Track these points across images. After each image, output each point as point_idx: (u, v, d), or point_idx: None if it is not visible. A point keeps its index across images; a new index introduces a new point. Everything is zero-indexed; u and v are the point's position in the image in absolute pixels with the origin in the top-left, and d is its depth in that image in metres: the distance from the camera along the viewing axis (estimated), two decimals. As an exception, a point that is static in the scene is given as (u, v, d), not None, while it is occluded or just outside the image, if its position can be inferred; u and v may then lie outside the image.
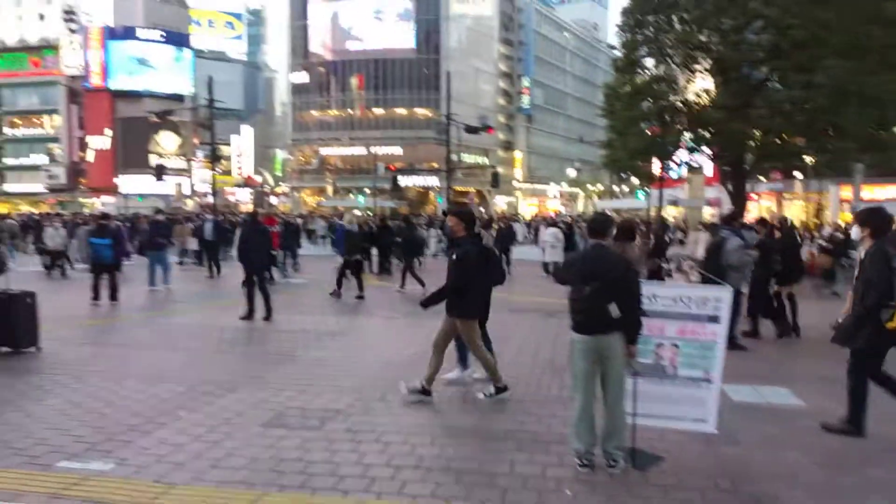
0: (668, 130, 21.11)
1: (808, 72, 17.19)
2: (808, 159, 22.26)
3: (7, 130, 68.05)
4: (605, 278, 4.10)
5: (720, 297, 4.47)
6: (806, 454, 4.65)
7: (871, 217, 5.06)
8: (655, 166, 23.65)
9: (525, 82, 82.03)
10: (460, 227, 5.94)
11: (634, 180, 39.60)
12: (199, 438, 4.81)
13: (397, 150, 66.72)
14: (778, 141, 19.93)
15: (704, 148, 22.04)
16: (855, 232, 5.90)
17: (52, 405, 5.57)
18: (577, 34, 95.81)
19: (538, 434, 4.99)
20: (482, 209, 58.68)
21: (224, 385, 6.27)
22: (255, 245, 10.33)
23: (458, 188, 57.72)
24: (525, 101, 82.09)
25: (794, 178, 31.54)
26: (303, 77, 71.31)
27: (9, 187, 66.94)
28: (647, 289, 4.41)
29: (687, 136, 21.64)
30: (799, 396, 6.00)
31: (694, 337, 4.49)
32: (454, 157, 39.38)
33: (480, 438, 4.88)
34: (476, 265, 5.78)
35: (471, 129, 34.08)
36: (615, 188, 65.86)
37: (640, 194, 48.78)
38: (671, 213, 41.28)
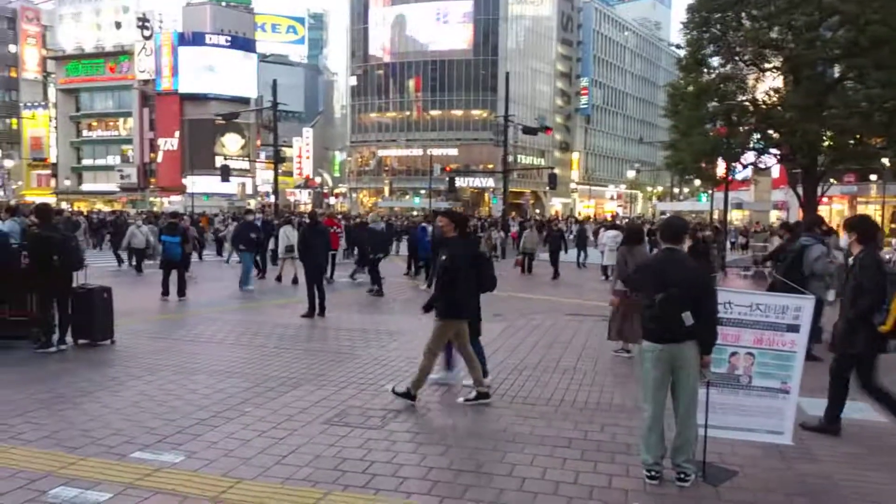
0: (736, 131, 20.36)
1: (889, 69, 16.31)
2: (886, 161, 21.08)
3: (85, 133, 71.82)
4: (681, 285, 3.95)
5: (801, 305, 4.26)
6: (891, 474, 4.37)
7: (859, 223, 5.18)
8: (720, 168, 22.86)
9: (584, 82, 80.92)
10: (450, 228, 5.91)
11: (696, 182, 38.47)
12: (263, 434, 4.90)
13: (453, 152, 66.93)
14: (853, 142, 18.96)
15: (773, 149, 21.19)
16: (843, 239, 5.90)
17: (127, 397, 5.79)
18: (638, 33, 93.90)
19: (602, 443, 4.86)
20: (527, 209, 58.17)
21: (287, 382, 6.39)
22: (315, 245, 10.59)
23: (514, 189, 57.43)
24: (583, 101, 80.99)
25: (869, 180, 29.94)
26: (362, 80, 72.43)
27: (85, 186, 70.62)
28: (723, 296, 4.24)
29: (755, 136, 20.82)
30: (879, 412, 5.65)
31: (771, 346, 4.30)
32: (510, 158, 39.18)
33: (542, 446, 4.79)
34: (464, 267, 5.73)
35: (528, 130, 33.82)
36: (676, 190, 64.08)
37: (703, 197, 47.36)
38: (735, 217, 39.89)
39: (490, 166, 61.51)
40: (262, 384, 6.29)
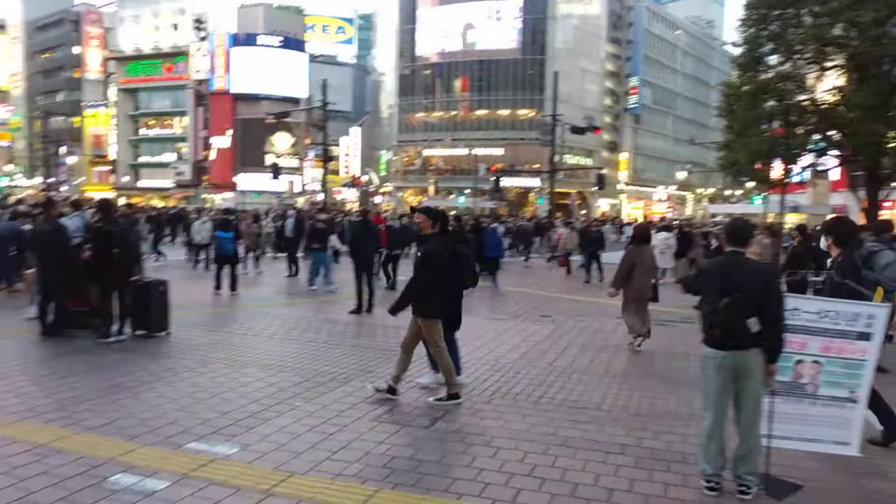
0: (794, 132, 19.63)
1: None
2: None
3: (143, 131, 74.39)
4: (746, 290, 3.79)
5: (874, 314, 4.06)
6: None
7: (835, 226, 5.18)
8: (776, 170, 22.07)
9: (633, 81, 79.45)
10: (428, 225, 5.86)
11: (749, 184, 37.27)
12: (314, 429, 4.94)
13: (499, 151, 66.63)
14: (920, 143, 18.06)
15: (833, 150, 20.35)
16: (822, 243, 5.69)
17: (182, 388, 5.93)
18: (690, 31, 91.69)
19: (656, 451, 4.73)
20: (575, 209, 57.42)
21: (337, 377, 6.44)
22: (366, 242, 10.71)
23: (560, 189, 56.80)
24: (633, 100, 79.51)
25: (938, 184, 28.47)
26: (409, 79, 72.86)
27: (142, 183, 73.12)
28: (790, 301, 4.07)
29: (814, 137, 20.03)
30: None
31: (840, 354, 4.11)
32: (557, 158, 38.77)
33: (595, 451, 4.69)
34: (441, 264, 5.69)
35: (577, 130, 33.40)
36: (728, 192, 62.26)
37: (756, 199, 45.88)
38: (790, 221, 38.52)
39: (536, 166, 60.98)
40: (312, 379, 6.35)
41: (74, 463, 4.16)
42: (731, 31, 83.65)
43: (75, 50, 78.04)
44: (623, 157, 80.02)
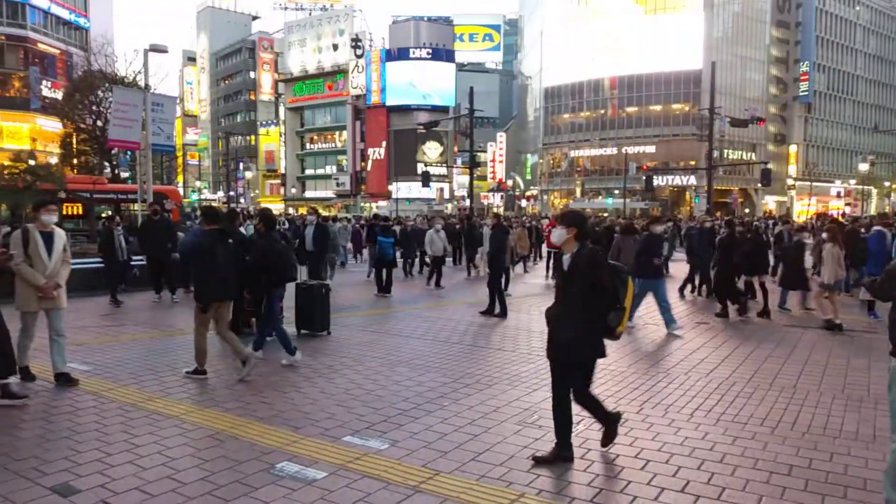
0: None
1: None
2: None
3: (308, 146, 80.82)
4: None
5: None
6: None
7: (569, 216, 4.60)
8: None
9: (804, 67, 72.37)
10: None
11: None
12: (460, 430, 5.05)
13: (650, 149, 63.90)
14: None
15: None
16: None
17: (339, 384, 6.34)
18: (873, 6, 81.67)
19: (831, 474, 4.27)
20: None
21: (482, 380, 6.54)
22: (501, 247, 10.95)
23: (720, 187, 53.17)
24: (803, 88, 72.47)
25: None
26: (556, 81, 72.16)
27: (308, 194, 79.41)
28: None
29: None
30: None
31: None
32: (716, 153, 36.33)
33: (757, 471, 4.33)
34: (197, 254, 6.48)
35: (737, 123, 31.12)
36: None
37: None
38: None
39: (692, 163, 57.65)
40: (459, 380, 6.50)
41: (248, 449, 4.61)
42: (926, 1, 73.34)
43: (251, 75, 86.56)
44: (792, 149, 73.24)
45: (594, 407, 4.61)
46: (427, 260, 16.41)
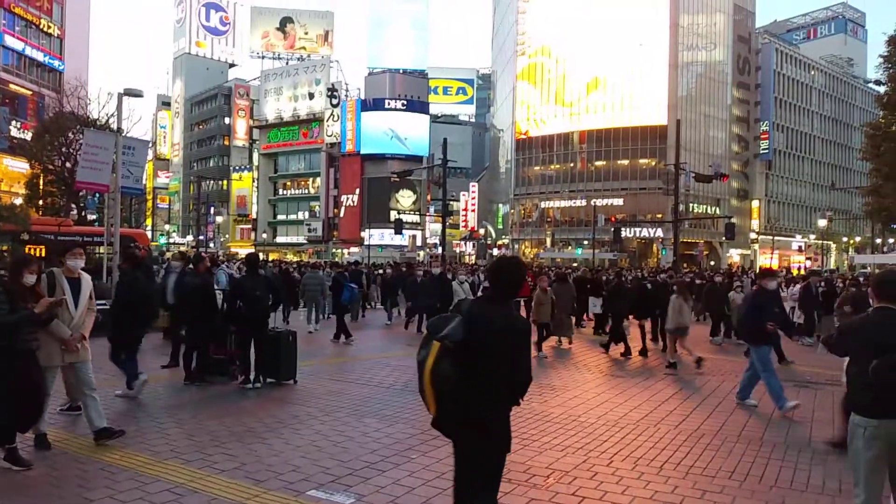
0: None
1: None
2: None
3: (281, 191, 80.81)
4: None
5: None
6: None
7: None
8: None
9: (763, 126, 75.44)
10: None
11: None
12: (427, 483, 4.95)
13: (618, 202, 65.38)
14: None
15: None
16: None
17: (306, 435, 6.19)
18: (827, 71, 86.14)
19: (798, 528, 4.27)
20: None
21: (451, 432, 6.44)
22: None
23: (686, 240, 54.31)
24: (763, 146, 75.34)
25: None
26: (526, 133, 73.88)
27: (279, 239, 78.98)
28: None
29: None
30: None
31: None
32: (682, 207, 37.28)
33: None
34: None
35: (702, 178, 32.06)
36: (878, 241, 56.46)
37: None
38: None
39: (659, 216, 59.00)
40: (427, 431, 6.37)
41: None
42: (874, 69, 77.55)
43: (226, 120, 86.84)
44: (755, 204, 75.56)
45: None
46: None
